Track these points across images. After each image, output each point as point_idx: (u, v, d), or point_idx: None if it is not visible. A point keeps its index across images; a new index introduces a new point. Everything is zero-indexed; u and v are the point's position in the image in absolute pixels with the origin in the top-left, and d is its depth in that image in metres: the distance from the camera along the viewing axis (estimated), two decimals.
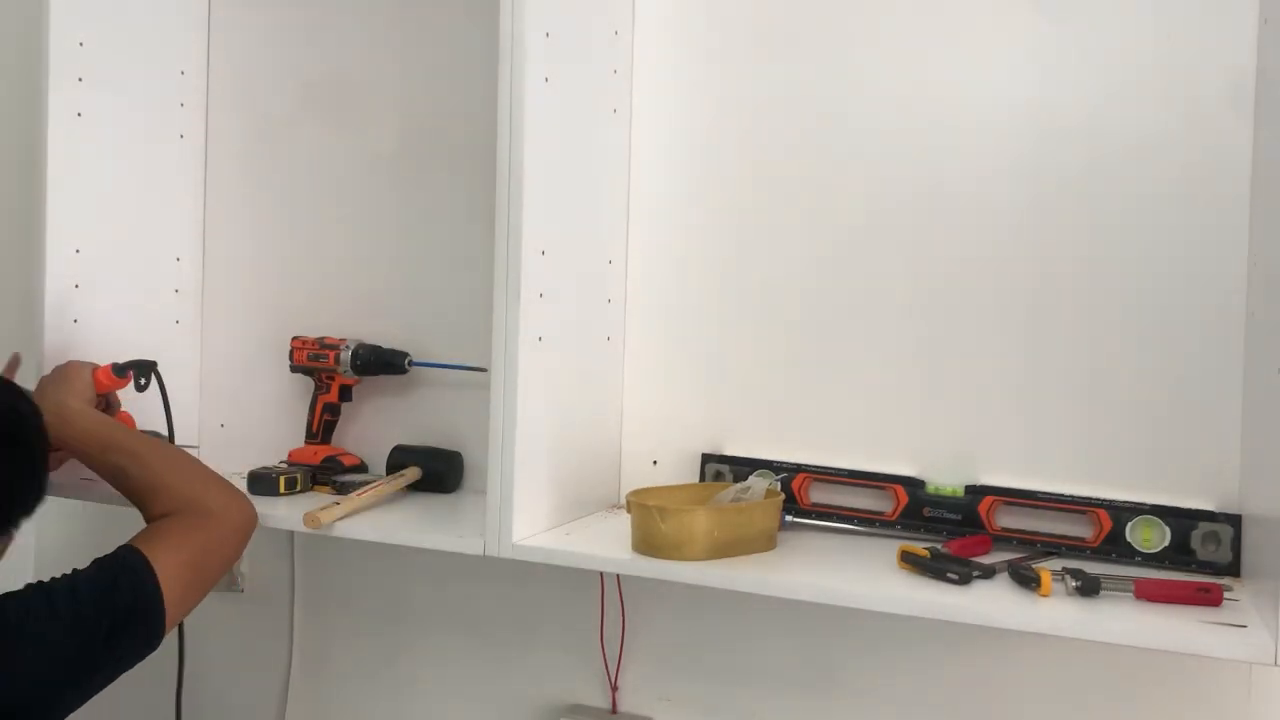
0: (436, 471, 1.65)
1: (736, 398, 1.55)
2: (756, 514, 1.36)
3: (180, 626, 1.58)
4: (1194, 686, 1.34)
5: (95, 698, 1.29)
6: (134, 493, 1.42)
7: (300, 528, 1.46)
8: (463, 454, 1.68)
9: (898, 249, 1.46)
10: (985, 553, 1.35)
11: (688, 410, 1.57)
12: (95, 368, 1.56)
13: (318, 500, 1.57)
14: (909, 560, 1.28)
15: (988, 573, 1.26)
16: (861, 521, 1.46)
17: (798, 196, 1.51)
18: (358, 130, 1.77)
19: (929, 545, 1.32)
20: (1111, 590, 1.21)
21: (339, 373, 1.69)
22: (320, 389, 1.71)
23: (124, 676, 1.31)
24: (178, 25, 1.83)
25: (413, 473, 1.63)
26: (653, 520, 1.31)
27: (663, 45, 1.57)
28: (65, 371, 1.53)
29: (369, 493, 1.54)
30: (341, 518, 1.47)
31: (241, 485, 1.57)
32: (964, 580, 1.24)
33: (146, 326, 1.78)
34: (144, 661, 1.32)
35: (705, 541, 1.31)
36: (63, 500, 1.59)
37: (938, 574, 1.25)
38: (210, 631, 1.74)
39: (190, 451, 1.59)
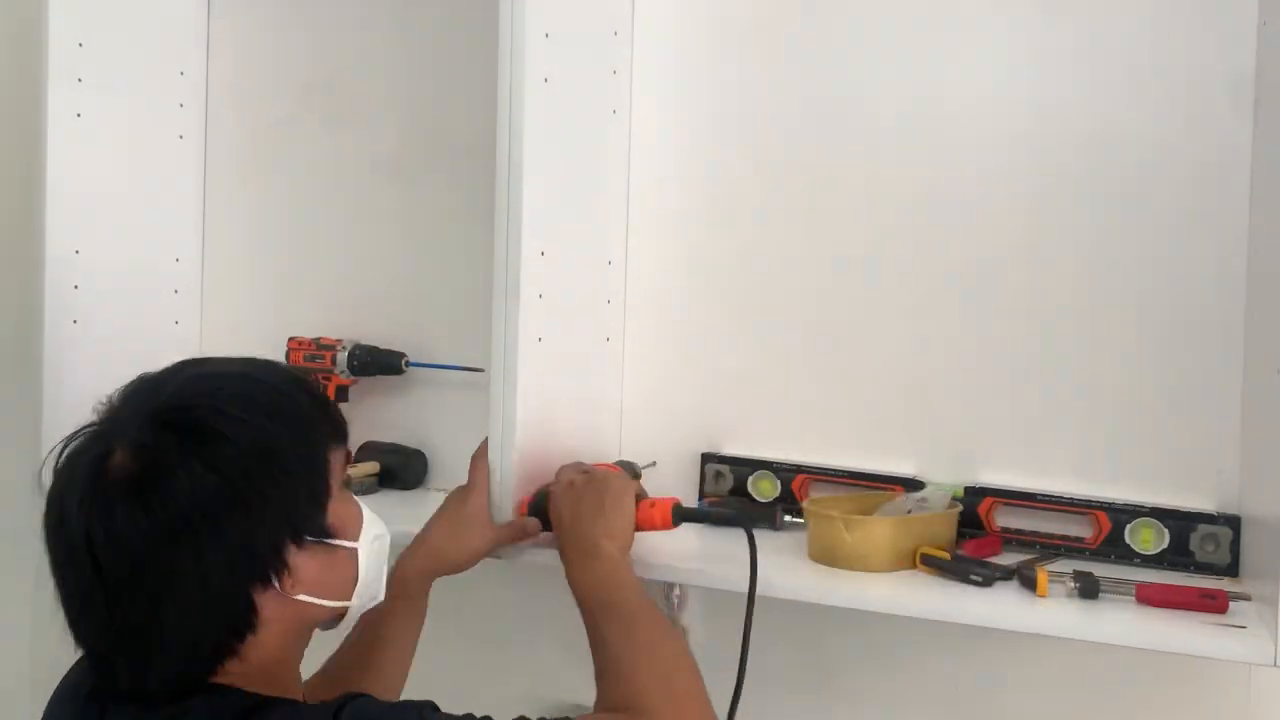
0: (391, 468, 1.67)
1: (736, 398, 1.55)
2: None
3: None
4: (1194, 687, 1.34)
5: None
6: (598, 668, 1.12)
7: None
8: (426, 453, 1.70)
9: (897, 249, 1.46)
10: (995, 554, 1.34)
11: (688, 410, 1.57)
12: (639, 500, 1.27)
13: None
14: (928, 562, 1.28)
15: (1007, 575, 1.25)
16: None
17: (797, 196, 1.51)
18: (357, 130, 1.77)
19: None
20: (1111, 592, 1.20)
21: (335, 373, 1.68)
22: None
23: None
24: (177, 25, 1.82)
25: (368, 467, 1.66)
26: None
27: (663, 45, 1.57)
28: (604, 498, 1.23)
29: None
30: None
31: None
32: (987, 582, 1.23)
33: (146, 327, 1.78)
34: None
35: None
36: None
37: (961, 576, 1.25)
38: None
39: None
